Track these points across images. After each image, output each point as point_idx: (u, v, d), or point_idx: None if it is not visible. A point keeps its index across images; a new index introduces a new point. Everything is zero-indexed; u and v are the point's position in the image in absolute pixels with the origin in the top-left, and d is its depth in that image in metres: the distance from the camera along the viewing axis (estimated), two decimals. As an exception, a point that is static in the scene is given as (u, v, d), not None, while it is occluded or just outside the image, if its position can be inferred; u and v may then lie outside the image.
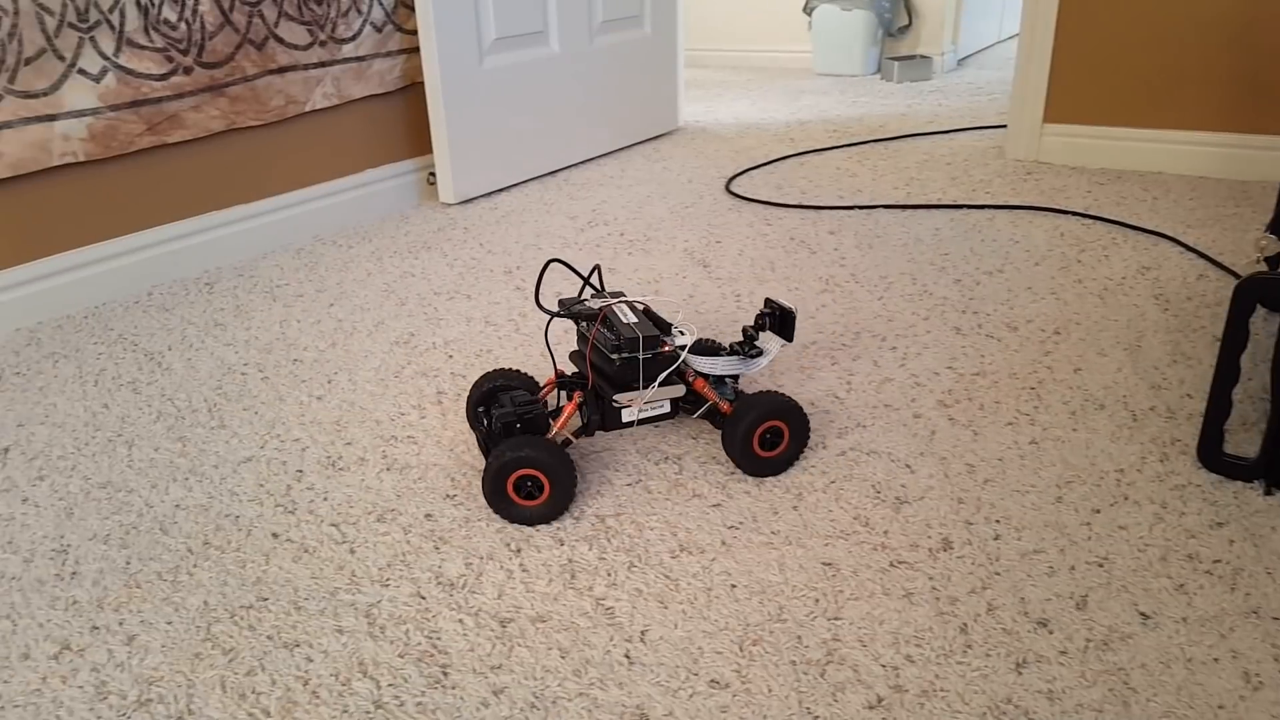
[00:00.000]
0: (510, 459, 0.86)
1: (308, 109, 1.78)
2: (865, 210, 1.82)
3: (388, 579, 0.81)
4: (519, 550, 0.84)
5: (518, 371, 1.01)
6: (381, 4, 1.87)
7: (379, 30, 1.88)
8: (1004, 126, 2.45)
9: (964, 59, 3.84)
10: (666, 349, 0.93)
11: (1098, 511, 0.87)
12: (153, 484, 0.97)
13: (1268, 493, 0.88)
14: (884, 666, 0.70)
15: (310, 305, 1.45)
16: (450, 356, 1.25)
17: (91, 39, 1.43)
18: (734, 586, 0.79)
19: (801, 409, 0.94)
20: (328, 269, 1.61)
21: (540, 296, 1.12)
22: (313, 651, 0.73)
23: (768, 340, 1.00)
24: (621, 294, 1.01)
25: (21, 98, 1.36)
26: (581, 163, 2.31)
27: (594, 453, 1.00)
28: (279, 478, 0.97)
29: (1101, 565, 0.80)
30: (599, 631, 0.74)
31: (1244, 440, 0.96)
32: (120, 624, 0.77)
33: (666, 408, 0.96)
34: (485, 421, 0.94)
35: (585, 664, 0.71)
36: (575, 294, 1.00)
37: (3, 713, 0.68)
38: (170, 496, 0.95)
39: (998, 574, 0.79)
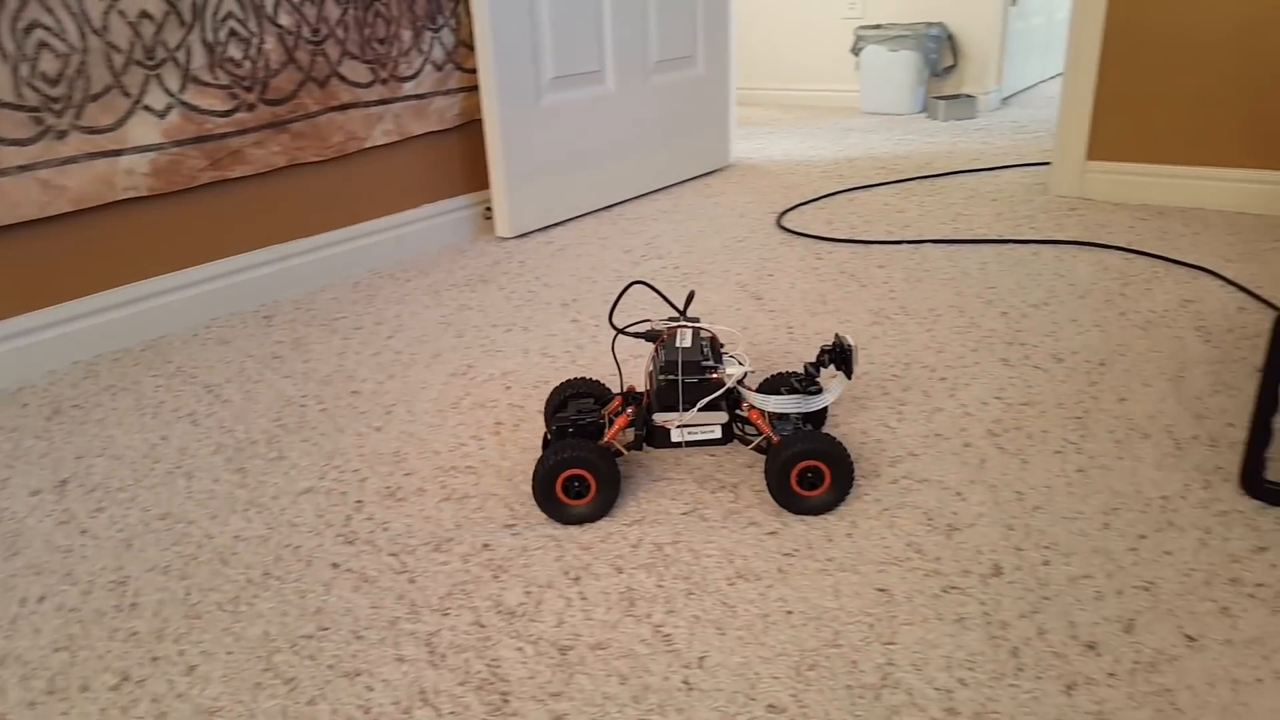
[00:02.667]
0: (558, 460, 0.91)
1: (368, 145, 1.82)
2: (913, 245, 1.82)
3: (447, 608, 0.82)
4: (578, 579, 0.85)
5: (596, 382, 1.05)
6: (442, 43, 1.92)
7: (439, 69, 1.93)
8: (1048, 164, 2.44)
9: (1008, 97, 3.84)
10: (714, 376, 0.95)
11: (1144, 537, 0.87)
12: (212, 515, 0.99)
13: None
14: (938, 690, 0.70)
15: (368, 338, 1.47)
16: (508, 388, 1.26)
17: (157, 76, 1.48)
18: (790, 612, 0.79)
19: (846, 454, 0.92)
20: (385, 302, 1.64)
21: (614, 315, 1.14)
22: (373, 680, 0.74)
23: (830, 378, 1.01)
24: (697, 320, 1.03)
25: (87, 133, 1.41)
26: (635, 198, 2.34)
27: (651, 481, 1.00)
28: (338, 508, 0.99)
29: (1148, 590, 0.80)
30: (658, 658, 0.74)
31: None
32: (180, 654, 0.78)
33: (717, 433, 0.97)
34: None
35: (644, 690, 0.71)
36: (662, 318, 1.05)
37: (74, 734, 0.70)
38: (230, 527, 0.96)
39: (1047, 598, 0.80)
